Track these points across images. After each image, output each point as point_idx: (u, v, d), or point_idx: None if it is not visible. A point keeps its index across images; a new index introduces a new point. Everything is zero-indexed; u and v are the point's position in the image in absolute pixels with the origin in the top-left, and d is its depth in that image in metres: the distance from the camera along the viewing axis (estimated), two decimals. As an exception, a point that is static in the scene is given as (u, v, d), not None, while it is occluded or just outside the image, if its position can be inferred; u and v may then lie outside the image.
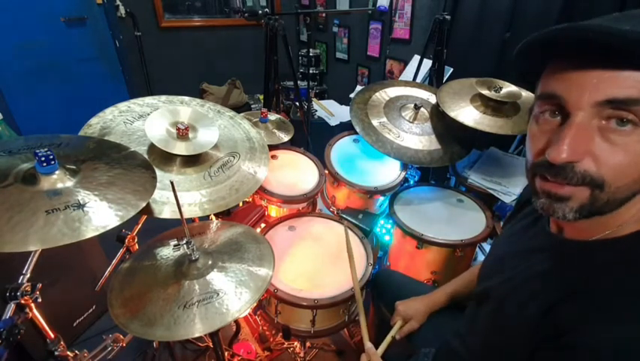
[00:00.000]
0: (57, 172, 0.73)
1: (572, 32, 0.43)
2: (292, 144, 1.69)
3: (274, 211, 1.52)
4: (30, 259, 0.88)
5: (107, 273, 1.08)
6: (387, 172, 1.55)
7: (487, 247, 1.70)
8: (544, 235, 0.62)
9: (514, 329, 0.58)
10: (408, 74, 2.48)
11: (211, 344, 1.35)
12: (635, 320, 0.42)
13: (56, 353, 0.95)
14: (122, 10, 3.12)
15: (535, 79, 0.52)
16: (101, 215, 0.69)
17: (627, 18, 0.42)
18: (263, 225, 1.43)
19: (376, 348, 0.88)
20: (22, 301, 0.83)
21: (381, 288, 1.19)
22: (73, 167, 0.77)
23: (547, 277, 0.55)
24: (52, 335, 0.94)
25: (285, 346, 1.44)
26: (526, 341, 0.54)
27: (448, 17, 1.87)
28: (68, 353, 0.98)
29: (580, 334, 0.45)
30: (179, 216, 0.82)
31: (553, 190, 0.48)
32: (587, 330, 0.44)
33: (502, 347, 0.62)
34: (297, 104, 2.39)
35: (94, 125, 1.00)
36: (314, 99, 2.90)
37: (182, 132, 1.01)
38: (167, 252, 0.93)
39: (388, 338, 0.97)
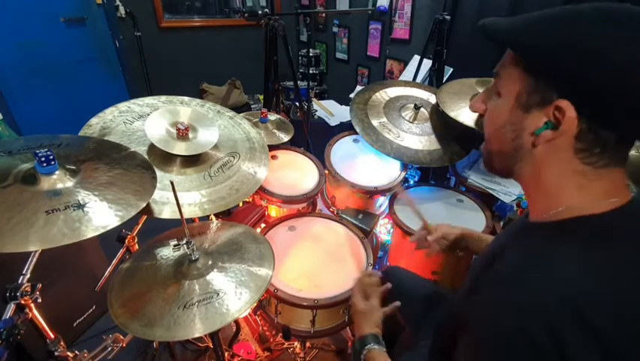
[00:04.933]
0: (57, 172, 0.73)
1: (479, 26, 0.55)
2: (292, 144, 1.69)
3: (274, 211, 1.52)
4: (30, 259, 0.88)
5: (107, 273, 1.08)
6: (387, 172, 1.55)
7: (487, 247, 1.71)
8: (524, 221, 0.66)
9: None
10: (408, 74, 2.48)
11: (211, 345, 1.35)
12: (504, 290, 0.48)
13: (56, 353, 0.95)
14: (121, 10, 3.12)
15: None
16: (101, 215, 0.69)
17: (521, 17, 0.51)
18: (263, 225, 1.43)
19: (388, 347, 0.89)
20: (22, 302, 0.83)
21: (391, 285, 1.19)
22: (73, 167, 0.77)
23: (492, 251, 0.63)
24: (52, 335, 0.94)
25: (285, 346, 1.44)
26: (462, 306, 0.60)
27: (448, 17, 1.87)
28: (68, 353, 0.98)
29: (478, 294, 0.52)
30: (179, 217, 0.82)
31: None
32: (483, 292, 0.52)
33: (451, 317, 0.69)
34: (297, 104, 2.39)
35: (94, 126, 1.00)
36: (314, 99, 2.90)
37: (182, 132, 1.02)
38: (167, 252, 0.93)
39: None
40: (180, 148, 1.00)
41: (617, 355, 0.41)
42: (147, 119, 1.01)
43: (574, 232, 0.49)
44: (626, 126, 0.46)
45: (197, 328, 0.75)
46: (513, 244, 0.58)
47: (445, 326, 0.77)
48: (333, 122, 2.68)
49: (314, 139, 2.17)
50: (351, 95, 1.86)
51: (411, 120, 1.53)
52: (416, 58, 2.36)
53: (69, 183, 0.73)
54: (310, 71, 3.72)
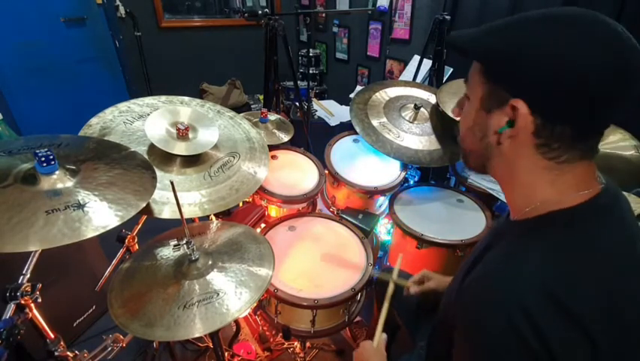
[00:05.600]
0: (57, 172, 0.73)
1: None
2: (292, 144, 1.69)
3: (274, 211, 1.52)
4: (30, 259, 0.88)
5: (107, 273, 1.08)
6: (387, 172, 1.55)
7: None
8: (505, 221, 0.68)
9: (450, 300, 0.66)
10: (408, 74, 2.48)
11: (211, 345, 1.35)
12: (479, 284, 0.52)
13: (56, 353, 0.94)
14: (121, 10, 3.12)
15: None
16: (101, 215, 0.69)
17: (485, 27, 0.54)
18: (263, 225, 1.43)
19: (385, 349, 0.89)
20: (22, 302, 0.83)
21: (386, 287, 1.19)
22: (73, 167, 0.77)
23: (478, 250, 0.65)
24: (52, 335, 0.94)
25: (285, 346, 1.44)
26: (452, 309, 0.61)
27: (448, 17, 1.87)
28: (68, 353, 0.98)
29: (464, 292, 0.55)
30: (179, 216, 0.82)
31: None
32: (466, 293, 0.53)
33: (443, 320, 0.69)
34: (297, 104, 2.39)
35: (94, 126, 1.00)
36: (314, 99, 2.90)
37: (182, 132, 1.02)
38: (167, 252, 0.93)
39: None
40: (180, 148, 1.00)
41: (600, 340, 0.43)
42: (147, 119, 1.01)
43: (548, 227, 0.51)
44: (577, 119, 0.48)
45: (197, 328, 0.75)
46: (493, 244, 0.60)
47: (440, 327, 0.77)
48: (333, 122, 2.68)
49: (314, 139, 2.17)
50: (351, 95, 1.86)
51: (411, 120, 1.53)
52: (416, 58, 2.36)
53: (69, 183, 0.73)
54: (310, 71, 3.72)
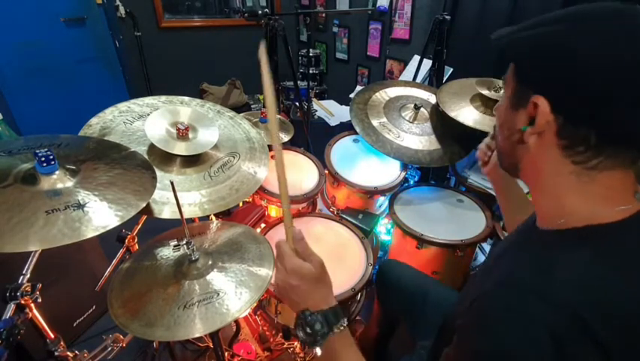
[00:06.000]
0: (57, 172, 0.73)
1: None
2: (292, 144, 1.69)
3: (274, 211, 1.52)
4: (30, 260, 0.88)
5: (107, 273, 1.08)
6: (387, 172, 1.55)
7: (487, 247, 1.70)
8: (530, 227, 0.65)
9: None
10: (408, 74, 2.48)
11: (211, 345, 1.35)
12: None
13: (56, 353, 0.94)
14: (121, 10, 3.12)
15: None
16: (101, 215, 0.69)
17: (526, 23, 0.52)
18: (263, 225, 1.43)
19: (383, 344, 0.88)
20: (22, 302, 0.83)
21: (386, 280, 1.17)
22: (73, 167, 0.77)
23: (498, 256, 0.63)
24: (52, 335, 0.94)
25: (285, 346, 1.44)
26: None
27: (447, 17, 1.87)
28: (68, 353, 0.98)
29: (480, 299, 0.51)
30: (179, 217, 0.82)
31: None
32: (484, 298, 0.50)
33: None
34: (297, 104, 2.39)
35: (94, 126, 1.00)
36: (314, 99, 2.90)
37: (182, 132, 1.02)
38: (167, 252, 0.93)
39: None
40: (180, 148, 1.00)
41: (613, 352, 0.40)
42: (147, 119, 1.01)
43: (584, 241, 0.47)
44: (602, 122, 0.45)
45: (197, 328, 0.75)
46: (517, 251, 0.57)
47: (447, 329, 0.76)
48: (333, 122, 2.68)
49: (314, 139, 2.17)
50: (351, 95, 1.86)
51: (411, 120, 1.53)
52: (416, 58, 2.36)
53: (69, 183, 0.73)
54: (310, 71, 3.73)
